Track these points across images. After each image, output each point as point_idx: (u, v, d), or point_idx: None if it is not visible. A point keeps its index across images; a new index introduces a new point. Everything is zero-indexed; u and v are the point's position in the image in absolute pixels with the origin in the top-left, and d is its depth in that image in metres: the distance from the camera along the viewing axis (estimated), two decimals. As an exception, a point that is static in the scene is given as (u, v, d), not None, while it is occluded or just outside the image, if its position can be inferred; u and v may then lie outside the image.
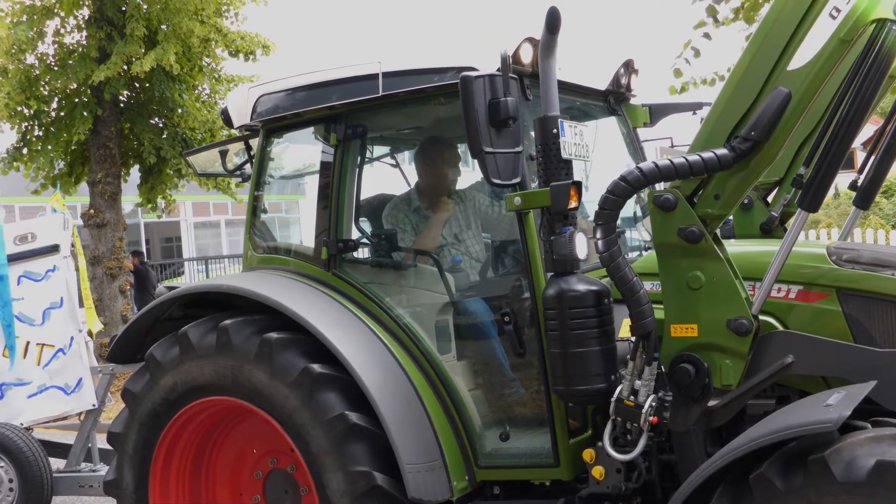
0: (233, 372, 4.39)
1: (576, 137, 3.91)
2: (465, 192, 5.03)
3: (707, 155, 3.48)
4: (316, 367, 4.17)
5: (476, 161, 3.75)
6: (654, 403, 3.67)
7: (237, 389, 4.41)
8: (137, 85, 14.65)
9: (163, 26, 13.73)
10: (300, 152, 5.47)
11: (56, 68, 14.20)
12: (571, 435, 4.09)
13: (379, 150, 5.45)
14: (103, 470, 6.14)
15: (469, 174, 5.20)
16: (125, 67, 13.25)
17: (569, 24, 3.88)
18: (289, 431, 4.27)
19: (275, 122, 4.95)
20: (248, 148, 5.55)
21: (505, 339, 4.36)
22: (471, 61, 4.13)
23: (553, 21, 3.71)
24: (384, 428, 4.08)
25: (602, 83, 4.97)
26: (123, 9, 13.64)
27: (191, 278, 23.40)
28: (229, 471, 4.96)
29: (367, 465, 4.05)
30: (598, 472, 3.95)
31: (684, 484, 3.31)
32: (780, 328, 3.87)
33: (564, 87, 4.22)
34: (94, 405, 6.26)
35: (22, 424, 6.15)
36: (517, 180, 3.82)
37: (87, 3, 14.02)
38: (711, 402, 3.74)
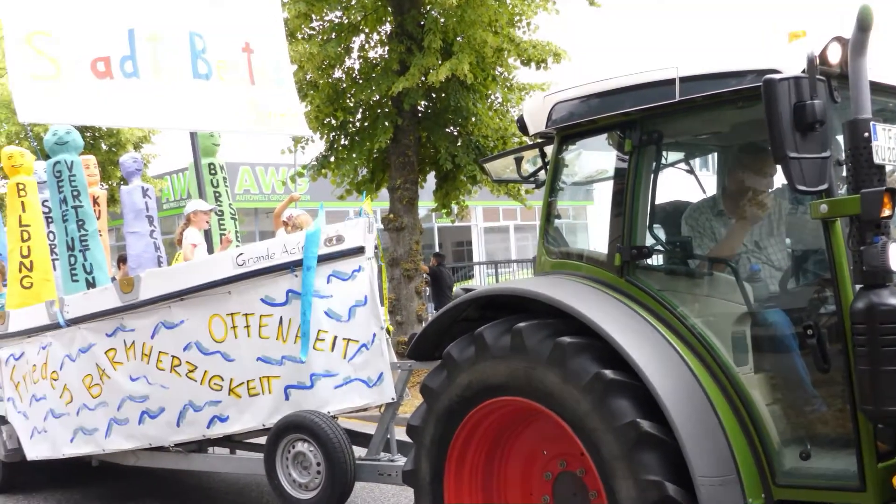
0: (526, 373, 4.48)
1: (890, 141, 3.68)
2: (769, 198, 4.85)
3: None
4: (608, 373, 4.17)
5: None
6: (978, 431, 3.37)
7: (529, 391, 4.50)
8: (434, 95, 15.27)
9: (458, 38, 14.24)
10: (592, 159, 5.50)
11: (361, 81, 15.10)
12: (880, 458, 3.82)
13: (672, 155, 5.37)
14: (401, 460, 6.44)
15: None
16: (423, 79, 13.87)
17: (883, 20, 3.67)
18: (579, 435, 4.29)
19: (569, 129, 5.02)
20: (543, 155, 5.65)
21: (807, 353, 4.16)
22: (772, 63, 3.99)
23: (865, 18, 3.52)
24: (677, 438, 4.01)
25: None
26: (422, 23, 14.28)
27: (481, 281, 24.10)
28: (520, 470, 5.06)
29: (658, 475, 4.00)
30: (910, 500, 3.68)
31: None
32: None
33: (877, 87, 3.96)
34: (393, 398, 6.52)
35: (329, 413, 6.58)
36: (824, 187, 3.65)
37: (389, 20, 14.81)
38: None
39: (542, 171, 5.74)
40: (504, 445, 5.07)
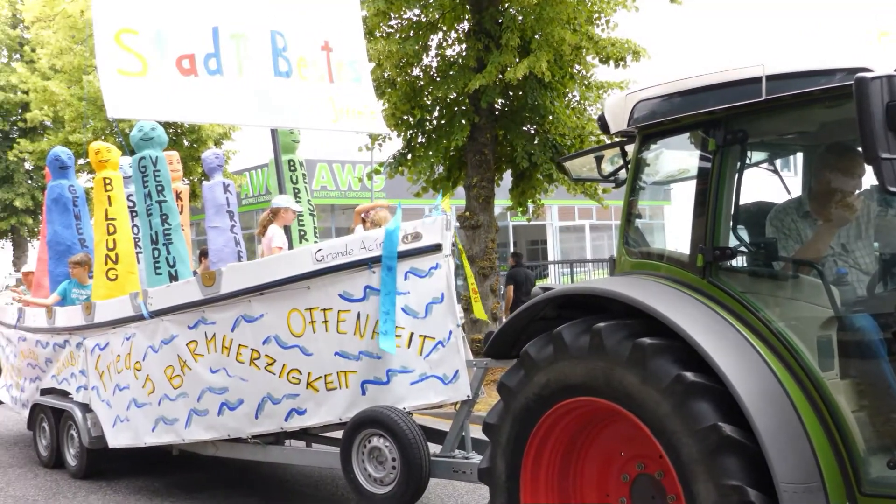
0: (604, 374, 4.45)
1: None
2: (857, 199, 4.73)
3: None
4: (689, 376, 4.11)
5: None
6: None
7: (608, 391, 4.46)
8: (511, 93, 15.25)
9: (536, 36, 14.19)
10: (673, 158, 5.43)
11: (438, 79, 15.14)
12: (971, 469, 3.72)
13: (756, 155, 5.27)
14: (475, 458, 6.45)
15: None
16: (500, 76, 13.86)
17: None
18: (658, 437, 4.24)
19: (651, 127, 4.96)
20: (624, 154, 5.60)
21: (895, 358, 4.05)
22: (863, 61, 3.90)
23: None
24: (759, 442, 3.93)
25: None
26: (500, 21, 14.27)
27: (555, 281, 24.01)
28: (597, 470, 5.02)
29: (740, 480, 3.93)
30: None
31: None
32: None
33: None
34: (468, 396, 6.50)
35: (404, 409, 6.60)
36: (918, 188, 3.55)
37: (467, 17, 14.83)
38: None
39: (623, 170, 5.69)
40: (581, 446, 5.03)
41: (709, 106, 4.52)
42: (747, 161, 4.78)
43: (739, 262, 4.81)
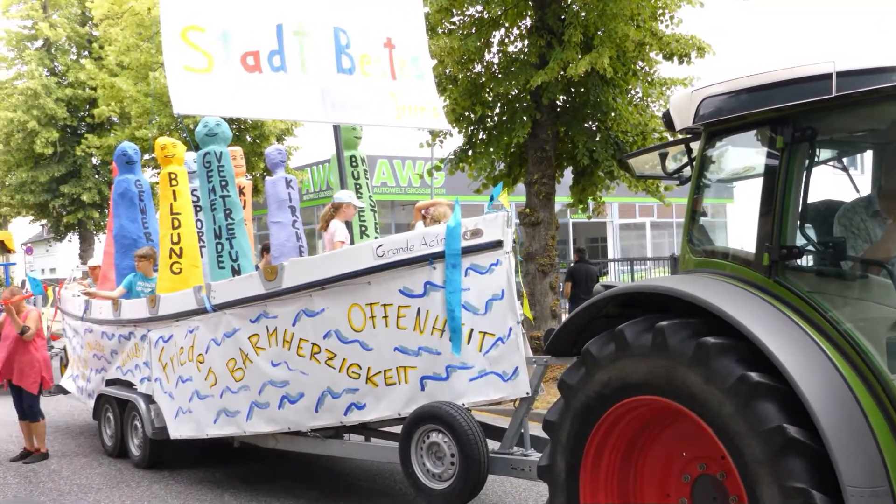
0: (667, 373, 4.40)
1: None
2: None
3: None
4: (753, 376, 4.05)
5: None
6: None
7: (670, 390, 4.41)
8: (573, 90, 15.15)
9: (599, 32, 14.08)
10: (738, 155, 5.35)
11: (499, 76, 15.11)
12: None
13: (824, 153, 5.17)
14: (534, 456, 6.43)
15: None
16: (562, 72, 13.78)
17: None
18: (721, 438, 4.19)
19: (717, 124, 4.90)
20: (689, 151, 5.53)
21: (969, 362, 3.95)
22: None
23: None
24: (825, 444, 3.86)
25: None
26: (563, 17, 14.19)
27: (615, 279, 23.85)
28: (658, 470, 4.97)
29: (805, 483, 3.86)
30: None
31: None
32: None
33: None
34: (527, 393, 6.49)
35: (463, 405, 6.60)
36: None
37: (529, 14, 14.76)
38: None
39: (687, 168, 5.62)
40: (642, 445, 4.99)
41: (776, 103, 4.45)
42: (815, 159, 4.69)
43: (806, 261, 4.73)
